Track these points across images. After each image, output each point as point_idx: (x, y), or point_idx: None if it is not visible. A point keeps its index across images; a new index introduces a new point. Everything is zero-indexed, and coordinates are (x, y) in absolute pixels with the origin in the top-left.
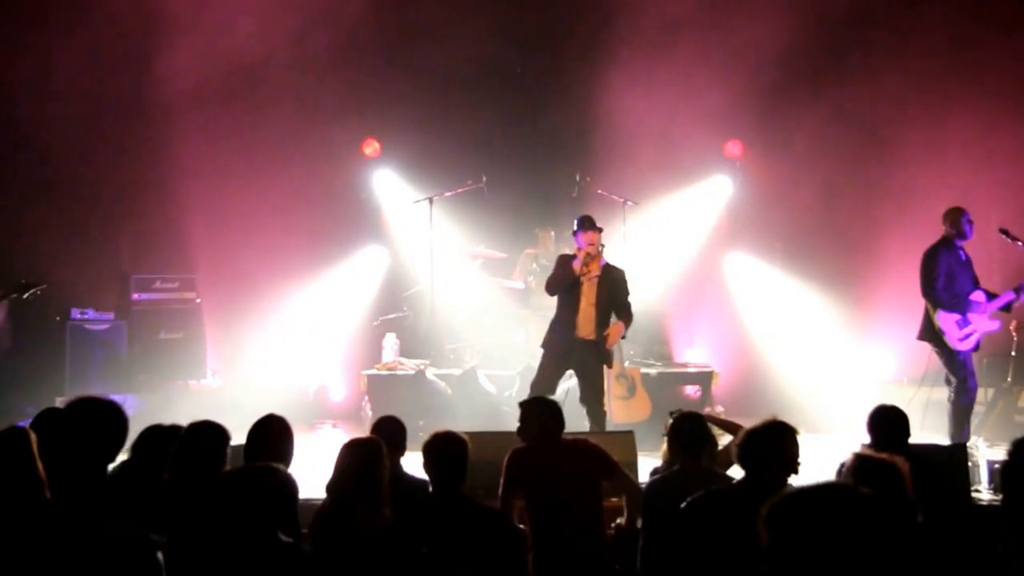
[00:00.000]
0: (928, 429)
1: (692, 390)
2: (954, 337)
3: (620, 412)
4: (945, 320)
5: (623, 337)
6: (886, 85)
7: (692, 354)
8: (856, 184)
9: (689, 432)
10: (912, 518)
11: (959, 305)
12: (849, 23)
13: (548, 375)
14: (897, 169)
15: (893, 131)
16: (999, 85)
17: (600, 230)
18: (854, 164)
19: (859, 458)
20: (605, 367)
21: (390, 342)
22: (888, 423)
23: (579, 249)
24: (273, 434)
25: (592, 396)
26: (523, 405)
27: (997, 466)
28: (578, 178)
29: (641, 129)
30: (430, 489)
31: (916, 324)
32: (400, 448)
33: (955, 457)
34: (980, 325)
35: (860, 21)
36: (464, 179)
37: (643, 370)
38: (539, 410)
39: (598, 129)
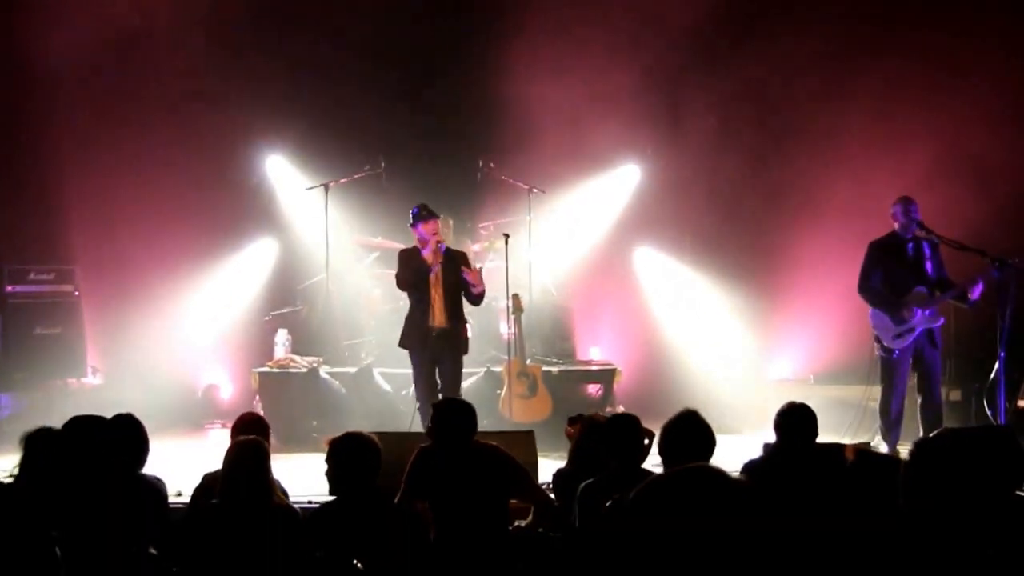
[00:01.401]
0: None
1: (594, 389)
2: (887, 335)
3: (520, 411)
4: (875, 317)
5: (479, 294)
6: (793, 64)
7: (596, 351)
8: (765, 174)
9: (629, 433)
10: None
11: (887, 302)
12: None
13: (426, 372)
14: (803, 158)
15: (801, 115)
16: (902, 62)
17: (438, 217)
18: (762, 153)
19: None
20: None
21: (282, 338)
22: (795, 422)
23: (421, 240)
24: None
25: (450, 386)
26: (436, 407)
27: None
28: (481, 164)
29: (548, 113)
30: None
31: (827, 319)
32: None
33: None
34: (919, 321)
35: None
36: (362, 164)
37: (544, 368)
38: (453, 412)
39: (503, 113)
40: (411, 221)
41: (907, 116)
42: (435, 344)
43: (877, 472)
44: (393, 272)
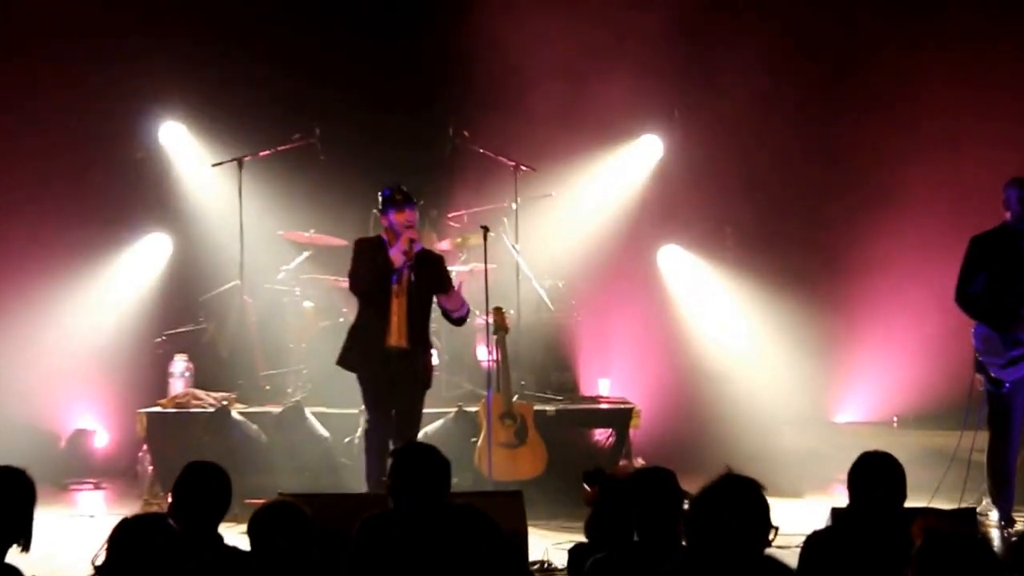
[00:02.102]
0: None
1: (603, 435)
2: (996, 361)
3: (505, 465)
4: (979, 337)
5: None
6: (864, 4)
7: (605, 385)
8: (827, 150)
9: (656, 493)
10: None
11: (998, 315)
12: None
13: (383, 406)
14: (878, 128)
15: (875, 72)
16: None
17: (418, 205)
18: (824, 122)
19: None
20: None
21: (180, 367)
22: (875, 479)
23: (389, 232)
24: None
25: (406, 429)
26: (397, 453)
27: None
28: (451, 132)
29: (539, 66)
30: None
31: (914, 341)
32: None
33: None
34: None
35: None
36: (289, 133)
37: (537, 407)
38: (420, 459)
39: (481, 66)
40: (379, 207)
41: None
42: (389, 369)
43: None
44: (330, 277)
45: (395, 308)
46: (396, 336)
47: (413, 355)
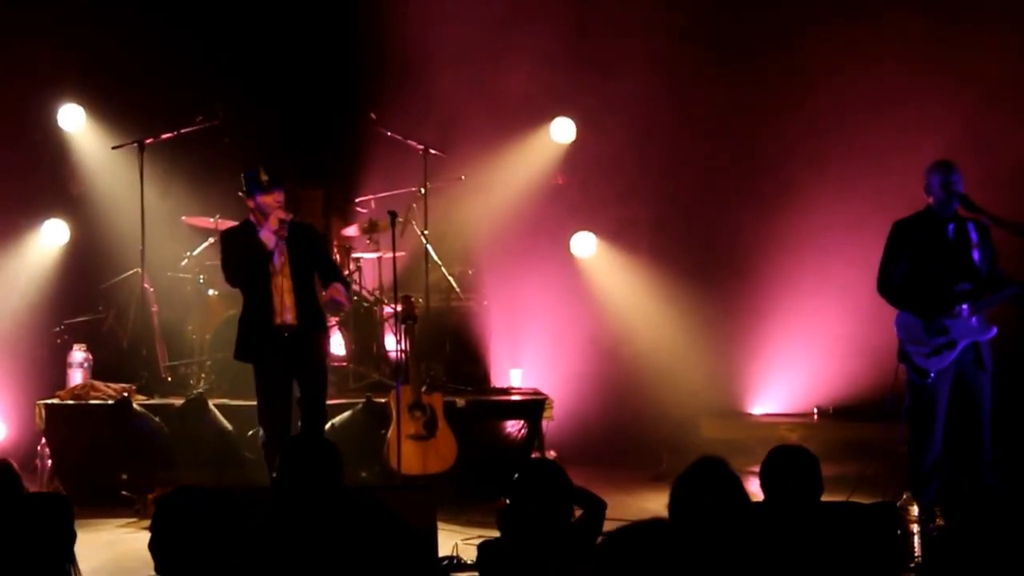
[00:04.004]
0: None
1: (515, 427)
2: (919, 351)
3: (414, 459)
4: (902, 325)
5: (343, 308)
6: None
7: (517, 375)
8: (744, 127)
9: (546, 483)
10: None
11: (922, 303)
12: None
13: (278, 388)
14: (798, 102)
15: (794, 42)
16: None
17: (283, 186)
18: (742, 95)
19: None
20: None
21: (79, 357)
22: (787, 474)
23: (257, 212)
24: None
25: (312, 411)
26: (285, 449)
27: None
28: (359, 114)
29: (450, 47)
30: None
31: (834, 330)
32: None
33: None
34: (963, 333)
35: None
36: (192, 114)
37: (447, 398)
38: (307, 455)
39: (389, 45)
40: (245, 190)
41: (949, 41)
42: (285, 351)
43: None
44: None
45: (277, 288)
46: (282, 314)
47: (305, 333)
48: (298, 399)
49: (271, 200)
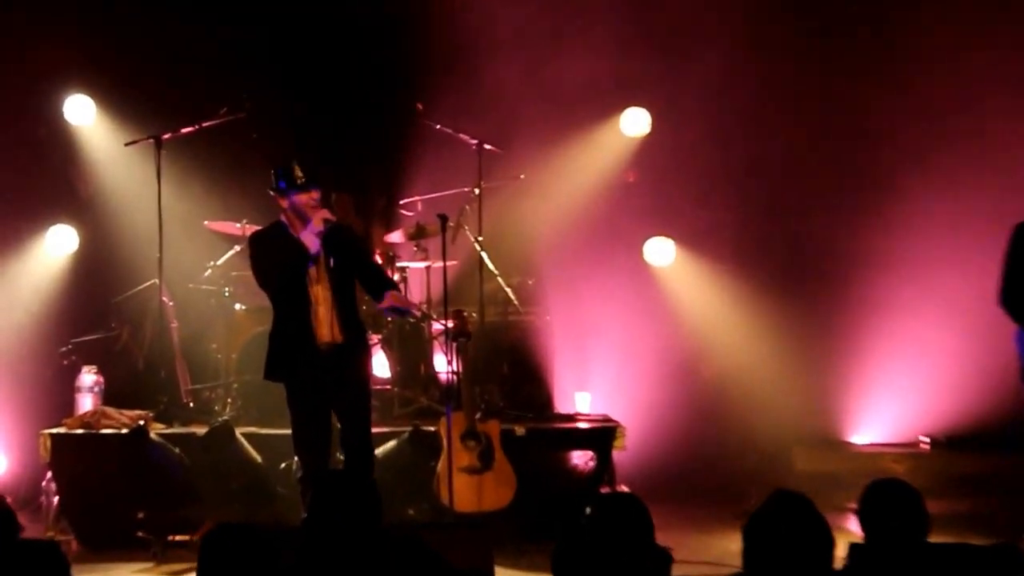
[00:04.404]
0: None
1: (582, 459)
2: None
3: (468, 494)
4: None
5: (411, 315)
6: None
7: (584, 400)
8: (846, 121)
9: (623, 523)
10: None
11: None
12: None
13: (314, 413)
14: (908, 92)
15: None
16: None
17: (318, 185)
18: (836, 92)
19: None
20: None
21: (88, 381)
22: (888, 510)
23: (292, 215)
24: None
25: (355, 437)
26: (317, 483)
27: None
28: (404, 106)
29: (507, 30)
30: None
31: (947, 350)
32: None
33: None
34: None
35: None
36: (215, 106)
37: (505, 426)
38: (344, 494)
39: (438, 27)
40: (275, 187)
41: None
42: (324, 370)
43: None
44: None
45: (318, 298)
46: (327, 329)
47: (346, 351)
48: (338, 427)
49: (307, 199)
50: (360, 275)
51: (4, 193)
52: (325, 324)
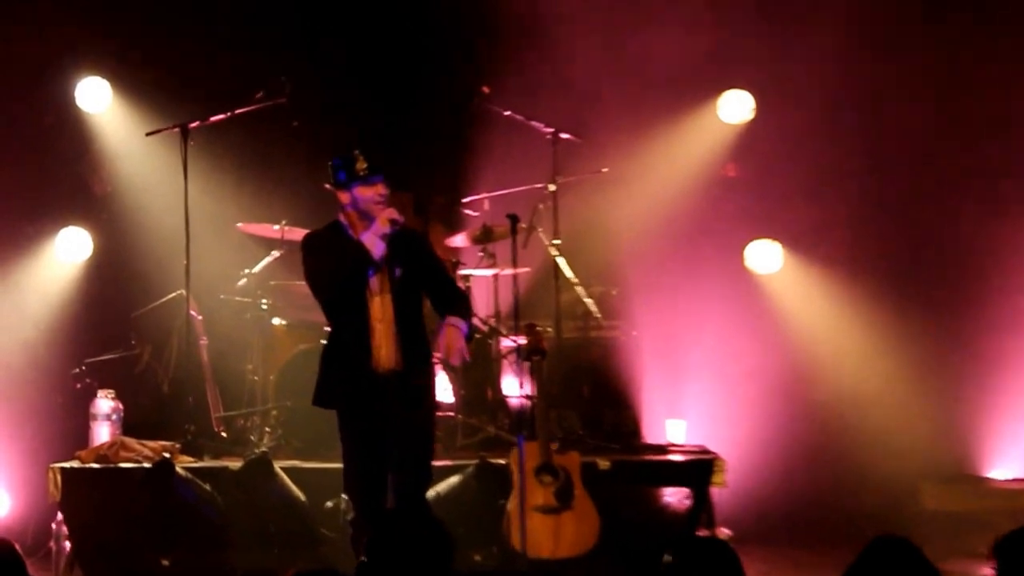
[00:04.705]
0: None
1: (676, 497)
2: None
3: (542, 537)
4: None
5: (464, 361)
6: None
7: (678, 428)
8: (984, 110)
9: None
10: None
11: None
12: None
13: (370, 454)
14: None
15: None
16: None
17: (384, 177)
18: (974, 77)
19: None
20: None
21: (105, 408)
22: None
23: (353, 214)
24: None
25: (409, 479)
26: (378, 528)
27: None
28: (467, 91)
29: (585, 2)
30: None
31: None
32: None
33: None
34: None
35: None
36: (250, 90)
37: (586, 458)
38: (408, 533)
39: (507, 1)
40: (335, 180)
41: None
42: (380, 398)
43: None
44: (305, 285)
45: (378, 314)
46: (385, 354)
47: (410, 375)
48: (396, 461)
49: (372, 193)
50: (426, 288)
51: (7, 192)
52: (383, 346)
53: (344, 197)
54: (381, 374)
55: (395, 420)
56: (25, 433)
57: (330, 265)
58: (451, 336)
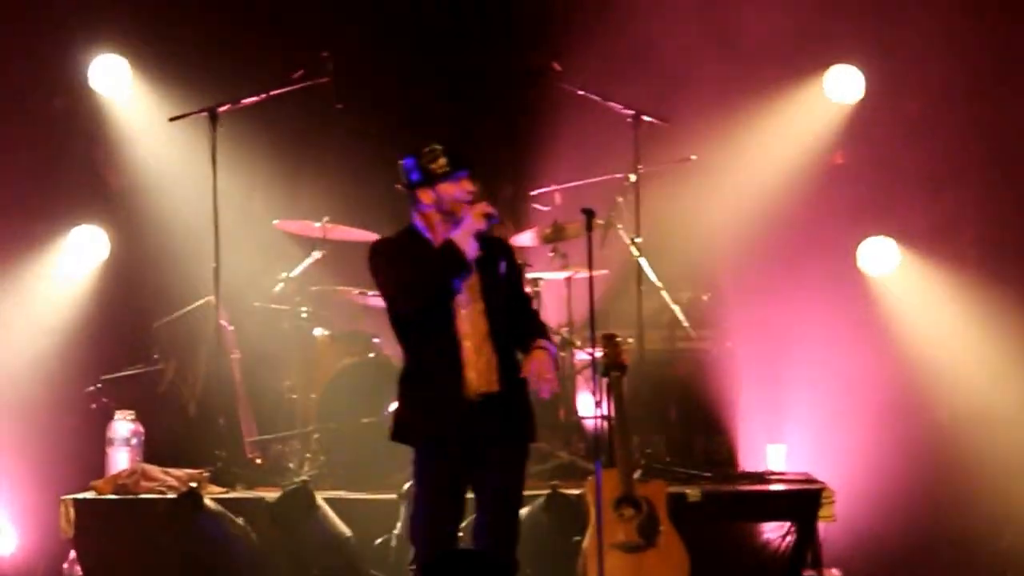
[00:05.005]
0: None
1: (777, 532)
2: None
3: None
4: None
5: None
6: None
7: (779, 453)
8: None
9: None
10: None
11: None
12: None
13: (450, 497)
14: None
15: None
16: None
17: (471, 170)
18: None
19: None
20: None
21: (124, 431)
22: None
23: (432, 214)
24: None
25: (506, 496)
26: (430, 567)
27: None
28: (533, 68)
29: None
30: None
31: None
32: None
33: None
34: None
35: None
36: (288, 69)
37: (673, 488)
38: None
39: None
40: (409, 178)
41: None
42: (470, 430)
43: None
44: (355, 289)
45: (468, 329)
46: (477, 374)
47: (507, 401)
48: (490, 500)
49: (458, 191)
50: (510, 302)
51: (12, 187)
52: (475, 366)
53: (426, 196)
54: (471, 400)
55: (492, 453)
56: (34, 460)
57: (415, 272)
58: (543, 363)
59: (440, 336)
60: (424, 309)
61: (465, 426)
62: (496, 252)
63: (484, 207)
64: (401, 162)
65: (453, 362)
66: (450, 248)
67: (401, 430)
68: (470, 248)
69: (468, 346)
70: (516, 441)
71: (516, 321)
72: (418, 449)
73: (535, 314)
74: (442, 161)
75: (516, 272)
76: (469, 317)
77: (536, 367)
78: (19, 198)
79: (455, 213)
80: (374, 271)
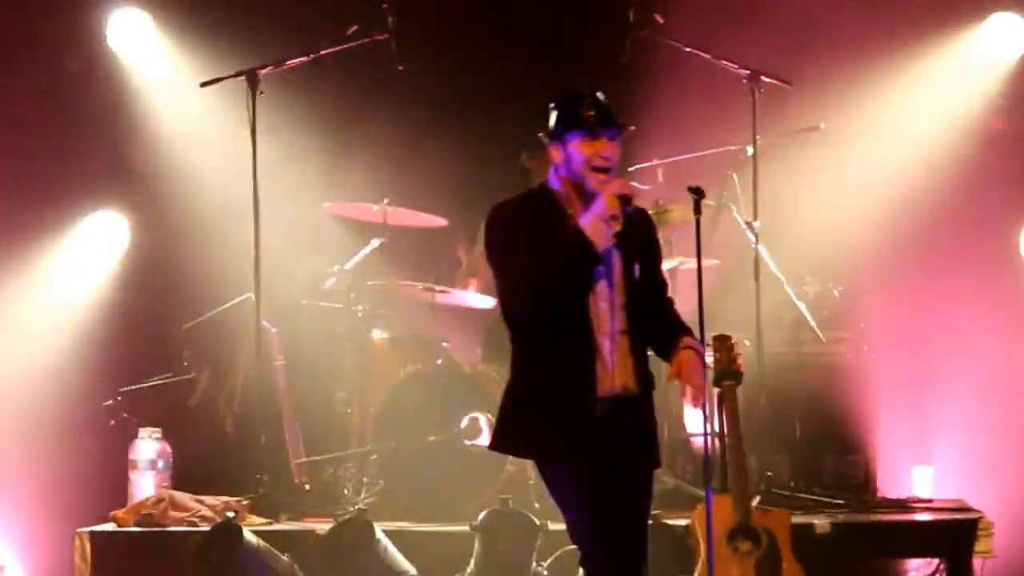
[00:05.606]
0: None
1: (923, 568)
2: None
3: None
4: None
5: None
6: None
7: (925, 476)
8: None
9: None
10: None
11: None
12: None
13: (609, 508)
14: None
15: None
16: None
17: (622, 130)
18: None
19: None
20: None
21: (149, 452)
22: None
23: (568, 182)
24: None
25: (631, 541)
26: None
27: None
28: (631, 18)
29: None
30: None
31: None
32: None
33: None
34: None
35: None
36: (340, 25)
37: (798, 519)
38: None
39: None
40: (552, 131)
41: None
42: (606, 436)
43: None
44: (420, 284)
45: (603, 323)
46: (614, 372)
47: (641, 402)
48: (622, 515)
49: (591, 153)
50: (649, 296)
51: (18, 166)
52: (613, 363)
53: (556, 154)
54: (609, 403)
55: (627, 462)
56: (44, 486)
57: (547, 256)
58: (693, 367)
59: (570, 327)
60: (557, 303)
61: (599, 435)
62: (638, 230)
63: (619, 186)
64: (552, 103)
65: (587, 361)
66: (575, 236)
67: (507, 438)
68: (602, 237)
69: (604, 344)
70: (652, 453)
71: (654, 313)
72: (540, 463)
73: (670, 303)
74: (590, 113)
75: (658, 253)
76: (606, 308)
77: (686, 370)
78: (25, 180)
79: (584, 182)
80: (494, 248)
